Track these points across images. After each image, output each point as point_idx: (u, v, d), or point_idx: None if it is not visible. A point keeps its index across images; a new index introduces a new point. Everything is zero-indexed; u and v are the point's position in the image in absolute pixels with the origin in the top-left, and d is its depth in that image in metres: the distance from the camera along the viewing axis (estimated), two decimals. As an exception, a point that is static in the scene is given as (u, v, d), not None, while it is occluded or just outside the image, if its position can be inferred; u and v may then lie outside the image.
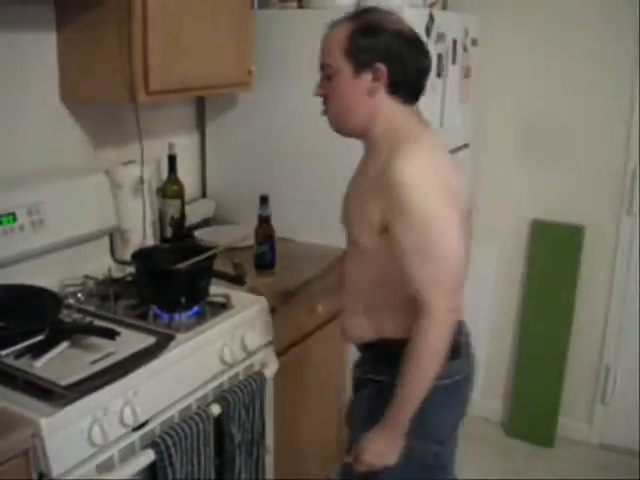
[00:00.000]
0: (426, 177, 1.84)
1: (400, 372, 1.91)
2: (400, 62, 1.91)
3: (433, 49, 3.10)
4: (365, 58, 1.90)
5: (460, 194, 1.95)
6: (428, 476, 2.14)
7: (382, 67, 1.90)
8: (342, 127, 2.04)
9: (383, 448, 1.99)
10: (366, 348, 2.18)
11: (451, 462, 2.27)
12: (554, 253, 3.85)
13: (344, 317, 2.21)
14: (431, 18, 3.05)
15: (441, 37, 3.17)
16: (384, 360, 2.06)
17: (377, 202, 1.90)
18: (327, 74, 1.97)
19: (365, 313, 2.10)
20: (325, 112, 2.03)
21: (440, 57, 3.20)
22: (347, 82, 1.94)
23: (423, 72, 1.99)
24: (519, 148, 3.88)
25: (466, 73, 3.56)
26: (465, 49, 3.49)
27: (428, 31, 3.04)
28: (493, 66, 3.81)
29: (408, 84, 1.96)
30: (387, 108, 1.96)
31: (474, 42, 3.61)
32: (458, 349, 2.04)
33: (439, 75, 3.22)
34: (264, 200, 2.81)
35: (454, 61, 3.37)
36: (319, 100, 2.03)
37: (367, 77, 1.92)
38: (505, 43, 3.79)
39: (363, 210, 1.97)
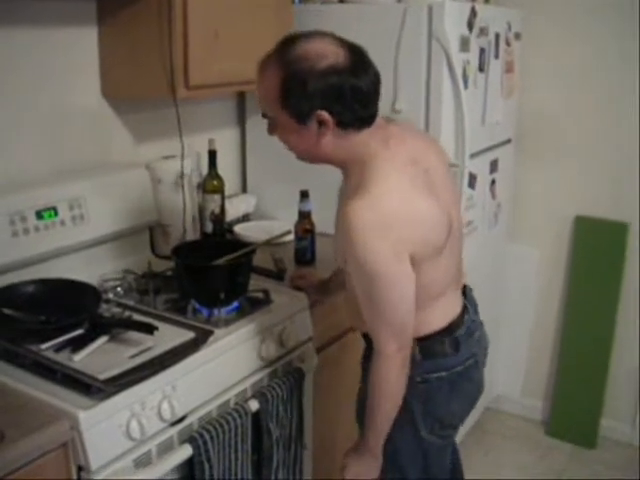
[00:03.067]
0: (375, 232, 1.79)
1: (367, 410, 2.05)
2: (341, 100, 1.80)
3: (475, 43, 3.07)
4: (304, 110, 1.81)
5: (434, 227, 1.91)
6: (436, 454, 2.24)
7: (324, 114, 1.81)
8: (305, 160, 2.01)
9: (360, 469, 2.14)
10: (362, 336, 2.22)
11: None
12: (598, 250, 3.80)
13: (345, 309, 2.28)
14: (473, 12, 3.02)
15: (483, 31, 3.14)
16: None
17: (342, 242, 1.89)
18: (271, 122, 1.93)
19: (355, 310, 2.10)
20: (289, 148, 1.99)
21: (482, 51, 3.16)
22: (293, 132, 1.88)
23: (368, 94, 1.84)
24: (562, 143, 3.82)
25: (508, 68, 3.51)
26: (508, 43, 3.46)
27: (470, 25, 3.01)
28: (536, 61, 3.75)
29: (355, 116, 1.85)
30: (343, 143, 1.88)
31: (517, 36, 3.57)
32: (457, 345, 2.10)
33: (481, 70, 3.18)
34: (304, 195, 2.81)
35: (496, 55, 3.34)
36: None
37: (312, 125, 1.84)
38: (548, 37, 3.73)
39: (337, 244, 1.97)
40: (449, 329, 2.09)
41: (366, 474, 2.12)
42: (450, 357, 2.09)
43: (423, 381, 2.06)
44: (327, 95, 1.79)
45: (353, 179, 1.92)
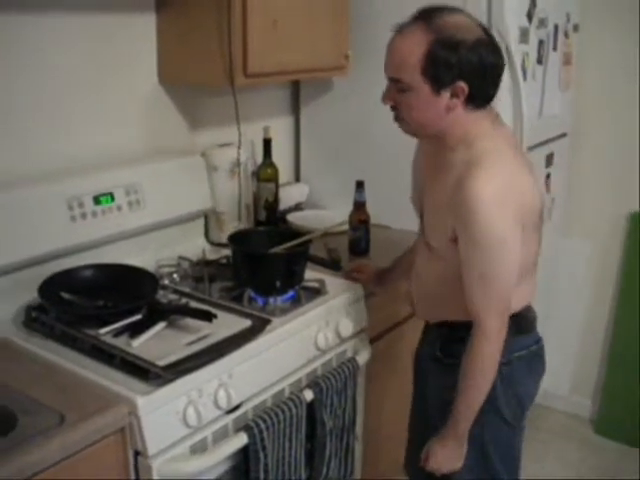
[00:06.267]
0: (499, 201, 1.83)
1: (456, 388, 2.02)
2: (481, 75, 1.85)
3: (534, 34, 3.03)
4: (445, 78, 1.84)
5: (534, 202, 1.96)
6: (515, 437, 2.24)
7: (463, 86, 1.85)
8: (415, 133, 2.04)
9: (446, 456, 2.11)
10: (437, 327, 2.23)
11: None
12: (652, 247, 3.74)
13: (414, 298, 2.29)
14: (533, 2, 2.98)
15: (543, 22, 3.10)
16: (455, 339, 2.09)
17: (450, 216, 1.92)
18: (400, 88, 1.91)
19: (434, 300, 2.19)
20: (396, 119, 2.00)
21: (541, 43, 3.12)
22: (423, 100, 1.88)
23: (500, 74, 1.93)
24: (618, 138, 3.75)
25: (566, 60, 3.46)
26: (566, 35, 3.40)
27: (530, 16, 2.97)
28: (594, 53, 3.69)
29: (486, 94, 1.92)
30: (463, 118, 1.92)
31: (576, 28, 3.51)
32: (531, 324, 2.18)
33: (539, 62, 3.14)
34: (360, 185, 2.79)
35: (555, 47, 3.29)
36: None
37: (446, 94, 1.87)
38: (607, 29, 3.65)
39: (438, 220, 2.02)
40: (527, 307, 2.14)
41: (452, 462, 2.12)
42: (528, 335, 2.16)
43: (507, 362, 2.06)
44: (472, 67, 1.83)
45: (457, 155, 1.94)
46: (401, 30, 1.90)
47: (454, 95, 1.86)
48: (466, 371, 1.99)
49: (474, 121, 1.93)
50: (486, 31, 1.89)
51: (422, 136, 2.06)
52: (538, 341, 2.19)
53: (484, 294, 1.92)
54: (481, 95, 1.90)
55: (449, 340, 2.15)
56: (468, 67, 1.82)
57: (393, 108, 1.98)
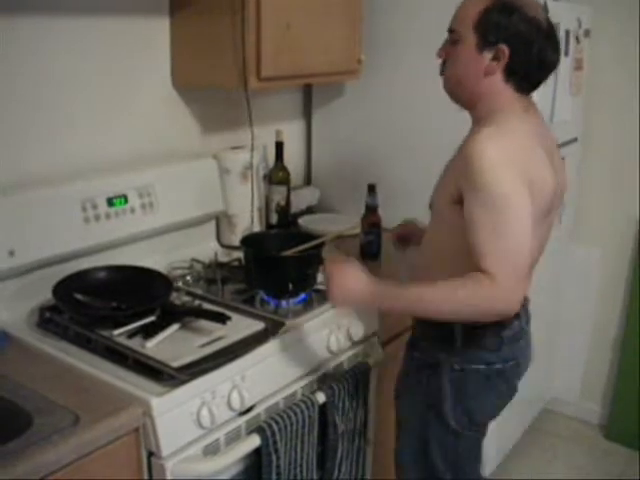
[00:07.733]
0: (505, 159, 1.81)
1: (433, 284, 1.85)
2: (525, 49, 1.88)
3: (546, 40, 3.03)
4: (491, 36, 1.89)
5: (545, 187, 1.90)
6: (463, 443, 2.17)
7: (505, 49, 1.88)
8: (452, 91, 2.04)
9: (346, 286, 1.97)
10: (418, 323, 2.22)
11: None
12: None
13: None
14: (545, 7, 2.97)
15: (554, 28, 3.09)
16: (428, 338, 2.11)
17: (455, 175, 1.92)
18: (452, 39, 1.97)
19: (427, 273, 2.07)
20: (442, 72, 2.04)
21: (553, 48, 3.11)
22: (468, 54, 1.93)
23: (547, 65, 1.96)
24: (628, 143, 3.75)
25: (577, 65, 3.46)
26: (578, 40, 3.40)
27: (542, 21, 2.97)
28: (604, 58, 3.69)
29: (526, 72, 1.93)
30: (497, 91, 1.94)
31: (587, 33, 3.51)
32: (500, 344, 2.05)
33: (551, 67, 3.14)
34: (372, 189, 2.80)
35: (566, 53, 3.28)
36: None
37: (488, 55, 1.90)
38: (618, 34, 3.66)
39: (444, 181, 2.02)
40: (498, 325, 2.00)
41: (341, 295, 1.98)
42: (491, 353, 2.04)
43: (460, 369, 2.03)
44: (519, 36, 1.88)
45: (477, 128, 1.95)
46: None
47: (495, 58, 1.90)
48: (452, 286, 1.82)
49: (507, 100, 1.94)
50: (550, 24, 1.93)
51: (457, 97, 2.04)
52: (508, 361, 2.08)
53: (495, 247, 1.79)
54: (520, 72, 1.91)
55: (423, 339, 2.16)
56: (514, 33, 1.87)
57: (443, 63, 2.03)
